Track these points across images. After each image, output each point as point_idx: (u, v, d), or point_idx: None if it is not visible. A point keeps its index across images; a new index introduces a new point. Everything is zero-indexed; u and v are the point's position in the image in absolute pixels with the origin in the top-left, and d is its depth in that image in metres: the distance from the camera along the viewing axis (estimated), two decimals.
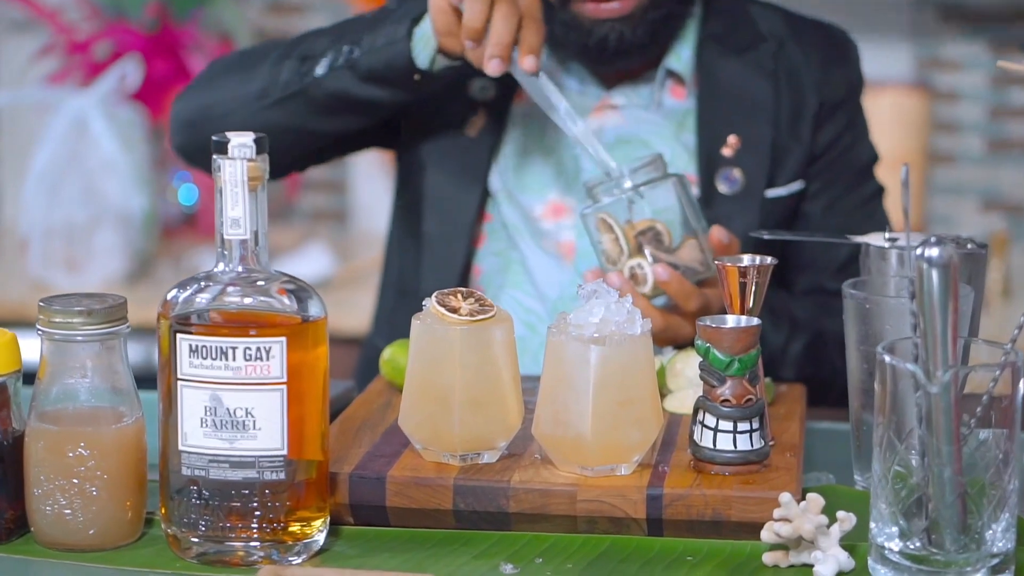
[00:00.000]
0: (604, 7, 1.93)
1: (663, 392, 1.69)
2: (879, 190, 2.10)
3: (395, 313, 2.11)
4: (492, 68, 1.81)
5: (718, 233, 1.80)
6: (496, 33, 1.80)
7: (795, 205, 2.05)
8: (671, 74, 2.04)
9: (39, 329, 1.41)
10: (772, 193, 2.02)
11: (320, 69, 1.93)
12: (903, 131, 3.33)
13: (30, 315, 1.47)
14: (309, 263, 3.37)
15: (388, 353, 1.73)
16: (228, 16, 3.63)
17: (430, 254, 2.05)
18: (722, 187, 2.01)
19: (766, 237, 1.77)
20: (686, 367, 1.66)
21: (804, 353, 1.97)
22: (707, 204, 1.98)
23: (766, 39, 2.05)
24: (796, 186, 2.04)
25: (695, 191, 1.97)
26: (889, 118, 3.27)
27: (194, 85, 2.07)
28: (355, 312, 2.93)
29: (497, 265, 2.04)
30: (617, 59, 1.98)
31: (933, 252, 1.25)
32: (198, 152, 2.01)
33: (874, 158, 2.11)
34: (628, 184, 1.82)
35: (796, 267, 2.06)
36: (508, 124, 2.05)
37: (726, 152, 2.02)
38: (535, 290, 2.01)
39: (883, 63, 3.38)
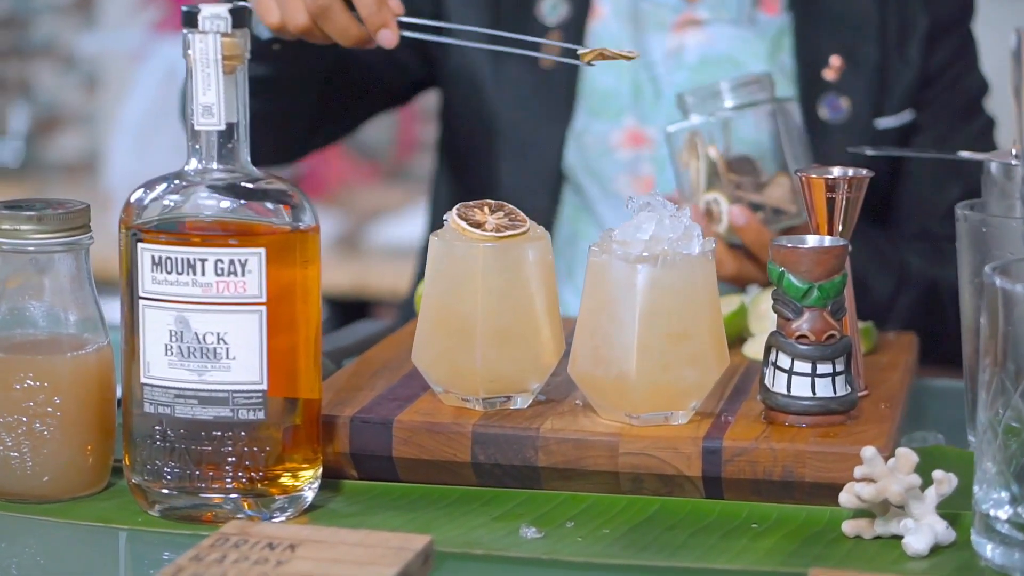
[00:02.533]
0: None
1: (744, 335, 1.44)
2: (990, 123, 1.84)
3: None
4: (385, 39, 1.43)
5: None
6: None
7: (904, 138, 1.78)
8: None
9: None
10: (883, 123, 1.77)
11: None
12: None
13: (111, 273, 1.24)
14: (408, 226, 3.16)
15: (423, 288, 1.49)
16: None
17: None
18: (825, 115, 1.75)
19: (869, 154, 1.50)
20: (760, 301, 1.41)
21: (915, 305, 1.71)
22: (808, 134, 1.71)
23: None
24: (908, 115, 1.78)
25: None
26: None
27: None
28: None
29: (570, 215, 1.79)
30: None
31: None
32: None
33: (985, 88, 1.85)
34: (728, 103, 1.57)
35: (900, 209, 1.79)
36: (588, 39, 1.78)
37: (828, 75, 1.76)
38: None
39: None
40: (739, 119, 1.57)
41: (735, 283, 1.55)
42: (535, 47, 1.60)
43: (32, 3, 3.75)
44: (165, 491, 1.16)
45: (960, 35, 1.82)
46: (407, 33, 1.41)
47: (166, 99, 3.20)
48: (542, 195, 1.78)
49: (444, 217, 1.25)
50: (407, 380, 1.31)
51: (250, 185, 1.16)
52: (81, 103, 3.77)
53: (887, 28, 1.78)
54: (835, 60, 1.75)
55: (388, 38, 1.39)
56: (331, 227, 3.39)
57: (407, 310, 1.93)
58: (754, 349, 1.40)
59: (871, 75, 1.76)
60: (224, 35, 1.13)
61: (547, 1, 1.78)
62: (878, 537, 1.12)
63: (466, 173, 1.86)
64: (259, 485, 1.15)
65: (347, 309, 3.13)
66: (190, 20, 1.14)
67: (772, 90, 1.60)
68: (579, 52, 1.35)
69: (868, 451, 1.09)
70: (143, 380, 1.15)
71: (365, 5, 1.38)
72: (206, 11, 1.13)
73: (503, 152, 1.81)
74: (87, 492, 1.21)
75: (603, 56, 1.34)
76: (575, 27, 1.78)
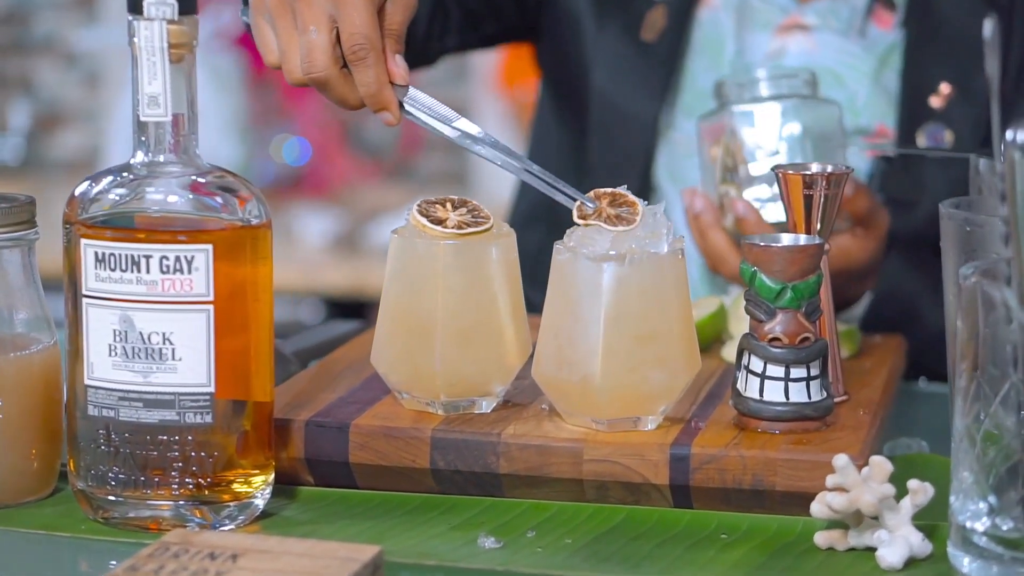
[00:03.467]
0: None
1: (724, 338, 1.39)
2: None
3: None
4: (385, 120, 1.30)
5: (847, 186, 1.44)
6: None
7: None
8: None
9: None
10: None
11: None
12: None
13: None
14: None
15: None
16: None
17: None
18: (923, 145, 1.62)
19: (890, 154, 1.42)
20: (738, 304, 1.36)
21: None
22: (902, 165, 1.61)
23: None
24: None
25: (889, 144, 1.61)
26: None
27: None
28: None
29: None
30: None
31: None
32: None
33: None
34: (764, 92, 1.49)
35: None
36: (693, 24, 1.67)
37: (935, 103, 1.62)
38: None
39: None
40: (770, 112, 1.49)
41: (736, 281, 1.47)
42: None
43: None
44: (111, 497, 1.12)
45: None
46: (411, 113, 1.31)
47: None
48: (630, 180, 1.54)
49: (404, 214, 1.20)
50: (369, 383, 1.26)
51: (199, 179, 1.11)
52: (82, 99, 3.73)
53: (1010, 56, 1.62)
54: (944, 88, 1.61)
55: (388, 120, 1.30)
56: (330, 226, 3.35)
57: None
58: (733, 352, 1.35)
59: (982, 109, 1.61)
60: (170, 22, 1.09)
61: None
62: (851, 549, 1.07)
63: (558, 145, 1.76)
64: (207, 492, 1.11)
65: (344, 309, 3.09)
66: (135, 6, 1.09)
67: (813, 88, 1.50)
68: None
69: (840, 459, 1.04)
70: (87, 382, 1.11)
71: (365, 85, 1.28)
72: None
73: (593, 128, 1.71)
74: (32, 497, 1.16)
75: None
76: (683, 8, 1.67)
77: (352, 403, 1.21)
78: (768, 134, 1.47)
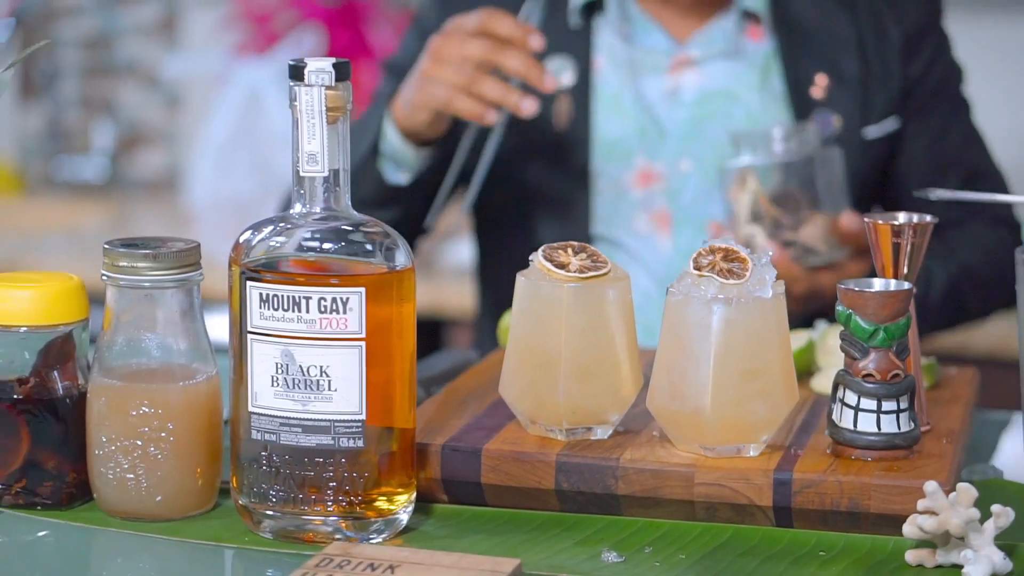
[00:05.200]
0: None
1: (812, 370, 1.51)
2: (969, 107, 1.97)
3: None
4: (529, 108, 1.74)
5: (848, 220, 1.67)
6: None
7: (893, 145, 1.90)
8: (747, 15, 1.90)
9: (104, 274, 1.28)
10: (872, 133, 1.88)
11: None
12: None
13: None
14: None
15: (507, 320, 1.57)
16: None
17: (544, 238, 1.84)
18: (813, 130, 1.84)
19: (934, 198, 1.57)
20: (828, 339, 1.48)
21: (940, 307, 1.82)
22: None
23: None
24: (892, 124, 1.89)
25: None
26: None
27: None
28: None
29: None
30: None
31: None
32: None
33: (962, 75, 1.98)
34: (777, 147, 1.68)
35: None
36: (591, 100, 1.91)
37: (816, 94, 1.88)
38: (645, 270, 1.90)
39: None
40: (785, 162, 1.68)
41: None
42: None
43: (118, 24, 3.86)
44: (270, 512, 1.24)
45: (934, 39, 1.94)
46: None
47: (246, 121, 3.29)
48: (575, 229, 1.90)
49: (530, 257, 1.33)
50: (493, 410, 1.39)
51: (350, 228, 1.24)
52: (163, 122, 3.87)
53: (864, 43, 1.90)
54: (820, 79, 1.87)
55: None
56: None
57: (481, 334, 2.02)
58: (821, 383, 1.47)
59: (855, 89, 1.88)
60: (328, 88, 1.22)
61: (553, 62, 1.87)
62: (939, 566, 1.19)
63: (503, 232, 1.98)
64: (357, 508, 1.23)
65: (423, 329, 3.20)
66: (296, 73, 1.22)
67: (818, 138, 1.72)
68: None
69: (930, 485, 1.16)
70: (251, 409, 1.24)
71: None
72: (312, 65, 1.21)
73: (536, 209, 1.92)
74: (197, 511, 1.29)
75: None
76: (582, 88, 1.90)
77: (479, 429, 1.34)
78: (788, 184, 1.68)
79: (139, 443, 1.27)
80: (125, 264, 1.27)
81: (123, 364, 1.29)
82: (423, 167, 1.83)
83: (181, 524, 1.28)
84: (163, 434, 1.27)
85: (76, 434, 1.30)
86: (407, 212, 1.86)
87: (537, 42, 1.72)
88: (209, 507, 1.31)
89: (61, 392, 1.29)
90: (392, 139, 1.81)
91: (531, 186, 1.92)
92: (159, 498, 1.28)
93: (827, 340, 1.51)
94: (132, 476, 1.27)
